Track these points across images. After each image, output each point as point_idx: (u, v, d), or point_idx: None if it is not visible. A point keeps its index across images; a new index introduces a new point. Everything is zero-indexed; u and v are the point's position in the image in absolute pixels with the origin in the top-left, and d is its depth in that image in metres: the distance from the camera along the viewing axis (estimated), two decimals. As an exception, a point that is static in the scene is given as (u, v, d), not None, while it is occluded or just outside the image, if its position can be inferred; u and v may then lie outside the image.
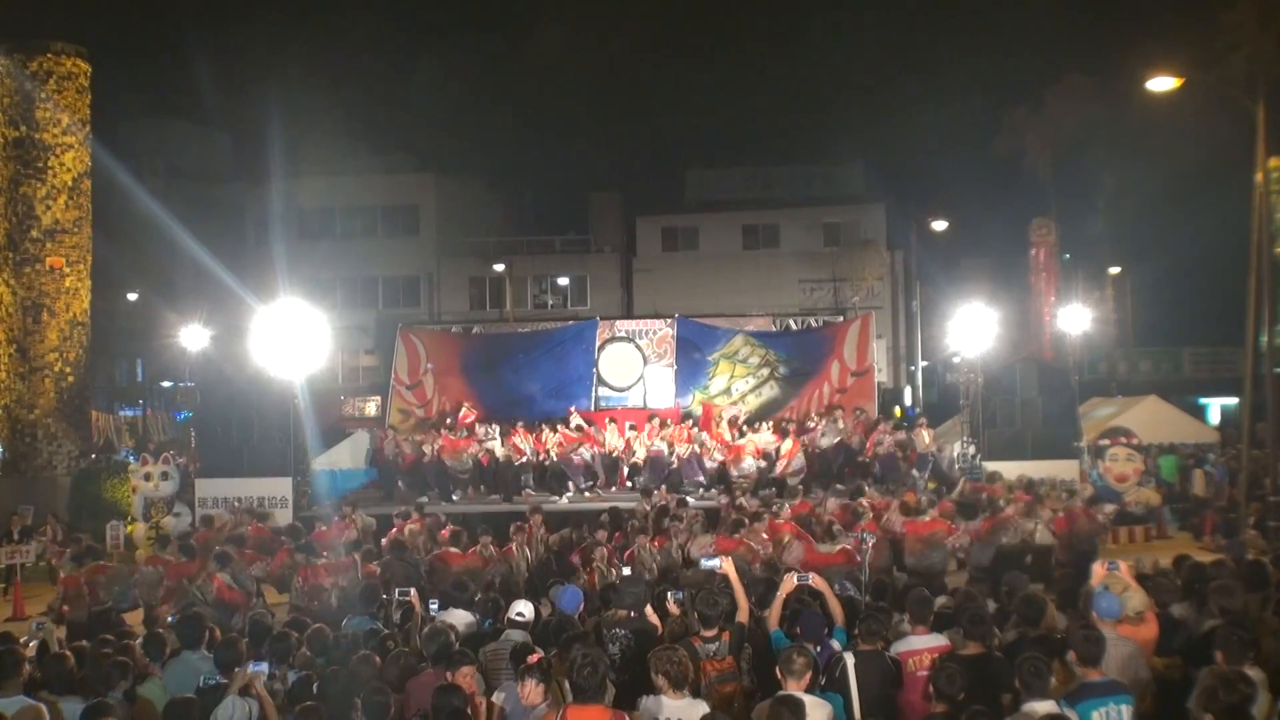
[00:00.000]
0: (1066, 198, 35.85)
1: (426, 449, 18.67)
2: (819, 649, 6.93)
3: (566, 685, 5.84)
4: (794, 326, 24.21)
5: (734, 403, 21.98)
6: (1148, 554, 11.72)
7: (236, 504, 16.43)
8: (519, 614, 7.82)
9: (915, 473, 18.10)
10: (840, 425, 19.01)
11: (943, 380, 39.60)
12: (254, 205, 40.44)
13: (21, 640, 7.82)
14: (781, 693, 5.78)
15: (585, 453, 18.77)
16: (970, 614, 6.78)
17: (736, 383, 22.37)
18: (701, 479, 18.16)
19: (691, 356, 22.56)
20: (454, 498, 18.22)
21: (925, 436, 18.85)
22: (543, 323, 28.16)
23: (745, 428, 20.11)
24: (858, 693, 6.45)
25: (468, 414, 21.04)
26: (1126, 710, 5.75)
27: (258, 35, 68.51)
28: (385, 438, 19.45)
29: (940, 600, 8.07)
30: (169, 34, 72.64)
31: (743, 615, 7.28)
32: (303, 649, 7.68)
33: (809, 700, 5.86)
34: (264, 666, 6.46)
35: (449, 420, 20.99)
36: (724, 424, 20.06)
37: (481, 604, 9.05)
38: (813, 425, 19.52)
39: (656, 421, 19.89)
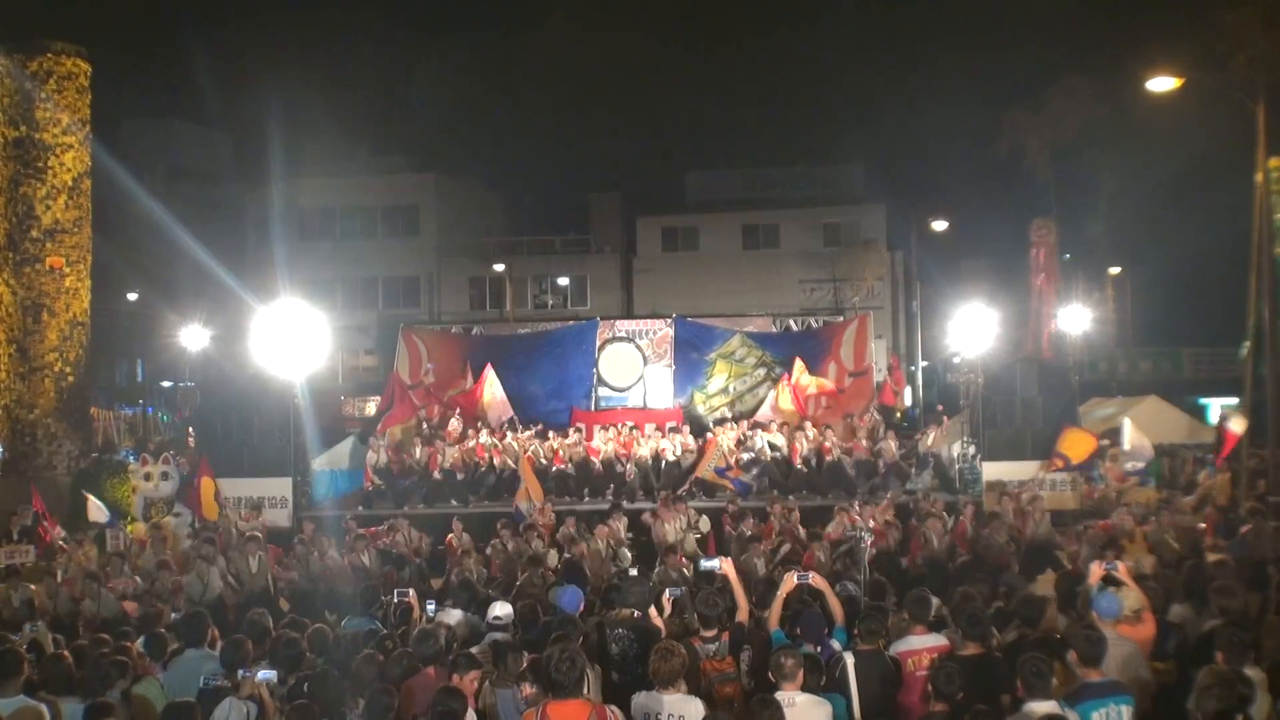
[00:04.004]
0: (1066, 198, 35.84)
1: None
2: (819, 649, 6.93)
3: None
4: (794, 327, 24.18)
5: (731, 402, 21.98)
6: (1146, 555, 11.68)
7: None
8: (496, 617, 7.78)
9: (913, 472, 18.14)
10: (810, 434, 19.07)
11: (943, 380, 39.53)
12: (254, 205, 40.42)
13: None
14: (761, 695, 5.78)
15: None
16: (968, 614, 6.77)
17: (734, 382, 22.38)
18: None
19: (690, 356, 22.57)
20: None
21: (930, 437, 18.87)
22: (543, 323, 28.16)
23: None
24: (857, 692, 6.46)
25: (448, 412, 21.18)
26: (1127, 710, 5.74)
27: (258, 35, 68.62)
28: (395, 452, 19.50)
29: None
30: (169, 34, 72.69)
31: (743, 615, 7.28)
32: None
33: (803, 699, 5.86)
34: (272, 674, 6.45)
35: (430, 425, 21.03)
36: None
37: (480, 605, 9.05)
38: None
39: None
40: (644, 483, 18.35)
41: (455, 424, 20.64)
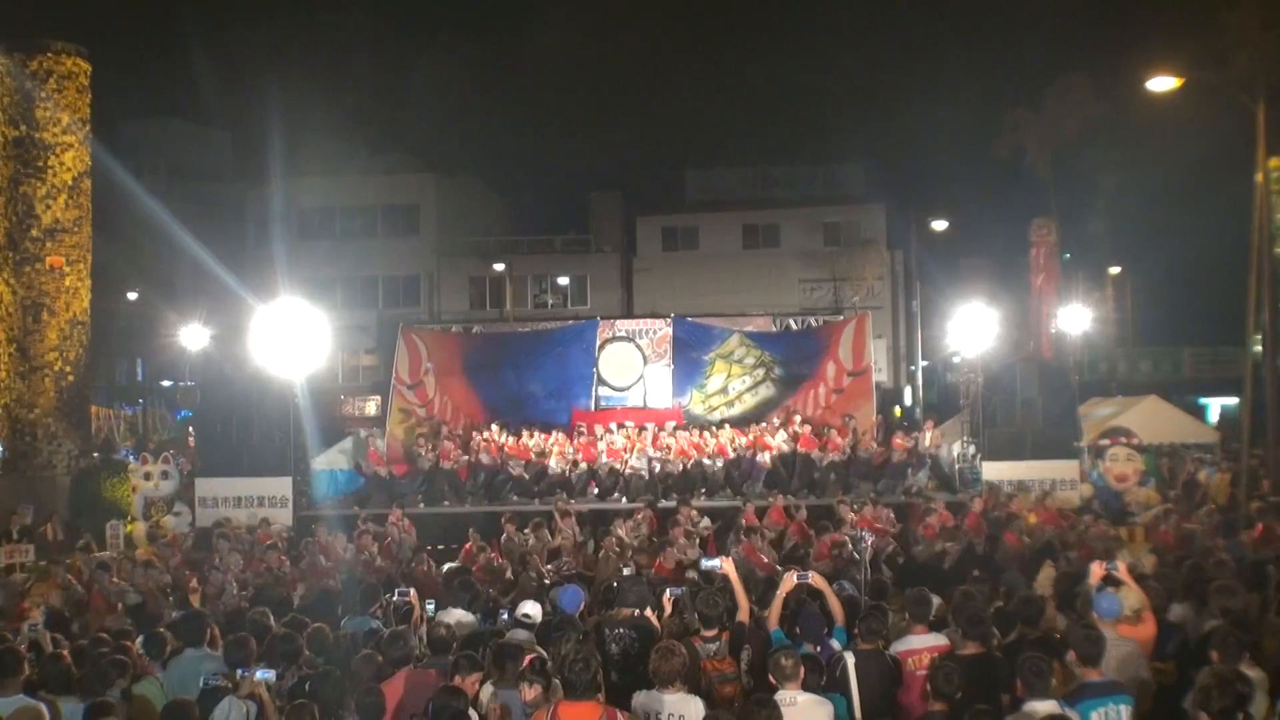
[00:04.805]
0: (1066, 198, 35.84)
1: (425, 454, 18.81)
2: (819, 649, 6.93)
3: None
4: (794, 326, 24.16)
5: (730, 402, 21.96)
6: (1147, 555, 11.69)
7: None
8: (525, 614, 7.80)
9: (909, 472, 18.17)
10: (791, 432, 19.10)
11: (943, 380, 39.55)
12: (254, 205, 40.38)
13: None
14: (759, 695, 5.78)
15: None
16: (968, 614, 6.77)
17: (733, 382, 22.37)
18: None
19: (689, 356, 22.55)
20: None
21: (927, 437, 18.90)
22: (543, 322, 28.15)
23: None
24: (858, 692, 6.46)
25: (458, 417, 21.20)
26: (1126, 710, 5.74)
27: (258, 35, 68.63)
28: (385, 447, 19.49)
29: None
30: (169, 34, 72.72)
31: (743, 615, 7.27)
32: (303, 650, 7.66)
33: (805, 699, 5.86)
34: (271, 674, 6.45)
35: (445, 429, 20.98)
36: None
37: (481, 605, 9.06)
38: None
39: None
40: (649, 487, 18.32)
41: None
